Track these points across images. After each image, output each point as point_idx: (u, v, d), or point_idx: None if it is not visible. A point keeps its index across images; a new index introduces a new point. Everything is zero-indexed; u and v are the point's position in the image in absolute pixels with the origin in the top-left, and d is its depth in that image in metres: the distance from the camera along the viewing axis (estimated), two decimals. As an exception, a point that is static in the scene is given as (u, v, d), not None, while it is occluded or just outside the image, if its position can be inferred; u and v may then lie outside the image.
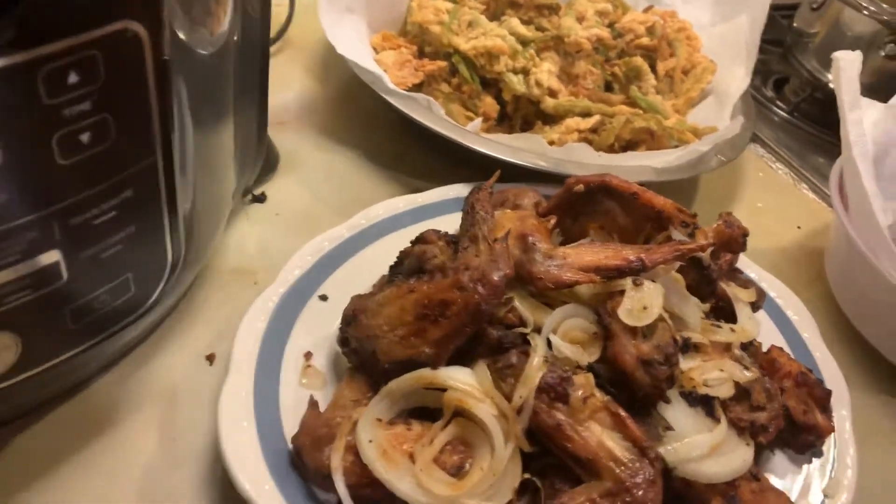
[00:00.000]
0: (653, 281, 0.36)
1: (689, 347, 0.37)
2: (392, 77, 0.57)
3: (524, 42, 0.61)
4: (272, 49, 0.68)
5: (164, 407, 0.40)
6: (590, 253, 0.37)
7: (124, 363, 0.41)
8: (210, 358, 0.42)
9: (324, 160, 0.58)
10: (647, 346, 0.33)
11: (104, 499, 0.35)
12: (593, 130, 0.57)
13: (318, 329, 0.42)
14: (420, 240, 0.41)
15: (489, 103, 0.58)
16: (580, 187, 0.40)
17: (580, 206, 0.41)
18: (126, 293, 0.33)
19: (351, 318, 0.39)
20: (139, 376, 0.41)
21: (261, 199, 0.54)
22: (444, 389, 0.35)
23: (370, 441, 0.33)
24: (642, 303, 0.34)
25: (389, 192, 0.56)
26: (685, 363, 0.36)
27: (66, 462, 0.36)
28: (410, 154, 0.60)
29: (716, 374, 0.37)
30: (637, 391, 0.34)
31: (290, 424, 0.37)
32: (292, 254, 0.45)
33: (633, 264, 0.35)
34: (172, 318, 0.44)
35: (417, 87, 0.60)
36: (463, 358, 0.36)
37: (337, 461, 0.33)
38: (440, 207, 0.51)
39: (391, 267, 0.42)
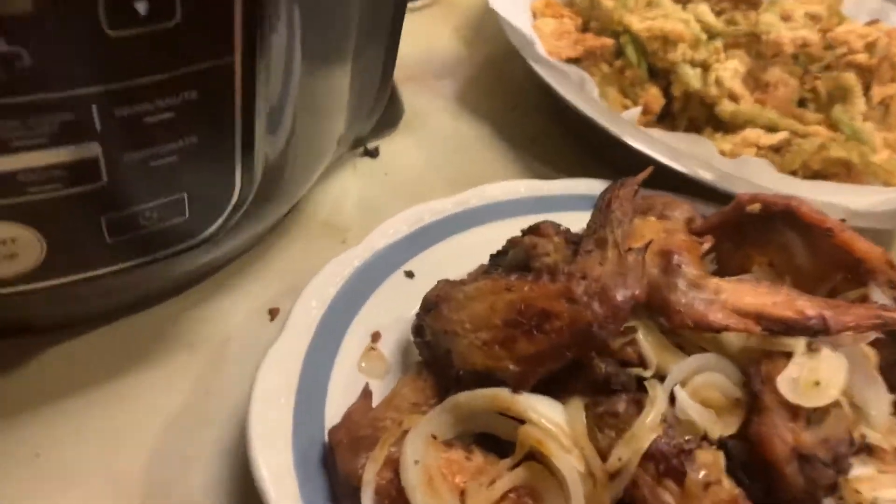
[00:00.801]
0: (834, 350, 0.26)
1: (863, 449, 0.27)
2: (546, 45, 0.50)
3: (710, 33, 0.52)
4: (423, 3, 0.63)
5: (210, 356, 0.35)
6: (752, 293, 0.28)
7: (178, 299, 0.37)
8: (273, 313, 0.37)
9: (450, 127, 0.52)
10: (811, 437, 0.24)
11: (116, 440, 0.31)
12: (776, 149, 0.47)
13: (395, 308, 0.36)
14: (533, 230, 0.33)
15: (654, 94, 0.49)
16: (755, 207, 0.31)
17: (749, 232, 0.31)
18: (177, 216, 0.28)
19: (432, 305, 0.32)
20: (191, 316, 0.36)
21: (373, 153, 0.48)
22: (521, 421, 0.28)
23: (416, 462, 0.26)
24: (815, 376, 0.25)
25: (512, 174, 0.49)
26: (854, 469, 0.26)
27: (90, 387, 0.32)
28: (546, 137, 0.52)
29: (892, 495, 0.27)
30: (782, 491, 0.25)
31: (335, 412, 0.31)
32: (388, 220, 0.40)
33: (811, 322, 0.26)
34: (243, 261, 0.39)
35: (573, 63, 0.52)
36: (555, 389, 0.29)
37: (371, 475, 0.26)
38: (566, 202, 0.43)
39: (492, 256, 0.35)
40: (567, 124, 0.51)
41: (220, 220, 0.30)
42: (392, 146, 0.49)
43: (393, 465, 0.27)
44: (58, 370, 0.33)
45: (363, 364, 0.33)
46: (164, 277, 0.33)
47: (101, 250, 0.27)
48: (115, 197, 0.25)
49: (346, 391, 0.32)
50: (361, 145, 0.47)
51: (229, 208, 0.30)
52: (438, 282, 0.34)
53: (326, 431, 0.30)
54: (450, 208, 0.40)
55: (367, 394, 0.31)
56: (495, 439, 0.29)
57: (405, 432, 0.28)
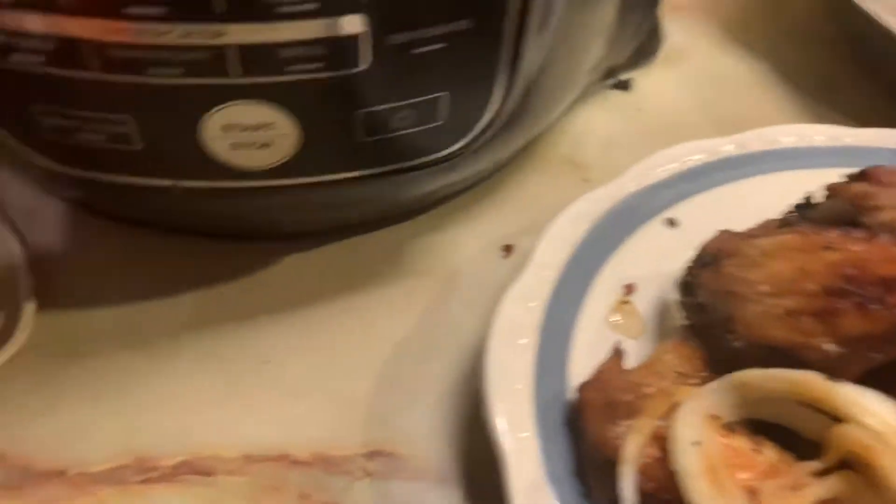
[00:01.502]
0: None
1: None
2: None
3: None
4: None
5: (439, 286, 0.32)
6: None
7: (410, 223, 0.34)
8: (507, 250, 0.33)
9: (718, 62, 0.44)
10: None
11: (342, 359, 0.29)
12: None
13: (652, 260, 0.30)
14: (863, 176, 0.26)
15: None
16: None
17: None
18: (432, 119, 0.25)
19: (710, 260, 0.26)
20: (423, 243, 0.34)
21: (624, 85, 0.42)
22: (835, 418, 0.21)
23: (695, 443, 0.21)
24: None
25: (790, 120, 0.40)
26: None
27: (320, 301, 0.31)
28: (844, 82, 0.42)
29: None
30: None
31: (578, 365, 0.27)
32: (645, 158, 0.34)
33: None
34: (475, 192, 0.36)
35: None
36: (885, 382, 0.22)
37: (633, 449, 0.22)
38: (876, 156, 0.34)
39: (797, 206, 0.28)
40: (870, 63, 0.42)
41: (472, 133, 0.26)
42: (647, 80, 0.42)
43: (660, 442, 0.22)
44: (290, 280, 0.31)
45: (614, 318, 0.28)
46: (403, 194, 0.31)
47: (352, 151, 0.24)
48: (374, 88, 0.22)
49: (593, 345, 0.27)
50: (613, 76, 0.42)
51: (484, 120, 0.26)
52: (720, 232, 0.28)
53: (572, 384, 0.26)
54: (726, 150, 0.33)
55: (618, 352, 0.26)
56: (782, 432, 0.23)
57: (675, 406, 0.23)
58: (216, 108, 0.21)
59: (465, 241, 0.34)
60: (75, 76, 0.20)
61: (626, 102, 0.42)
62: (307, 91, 0.22)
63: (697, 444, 0.21)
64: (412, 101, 0.23)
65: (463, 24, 0.22)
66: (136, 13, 0.18)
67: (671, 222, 0.31)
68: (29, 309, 0.29)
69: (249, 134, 0.22)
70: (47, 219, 0.32)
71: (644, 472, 0.21)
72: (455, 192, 0.35)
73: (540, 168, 0.38)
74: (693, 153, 0.33)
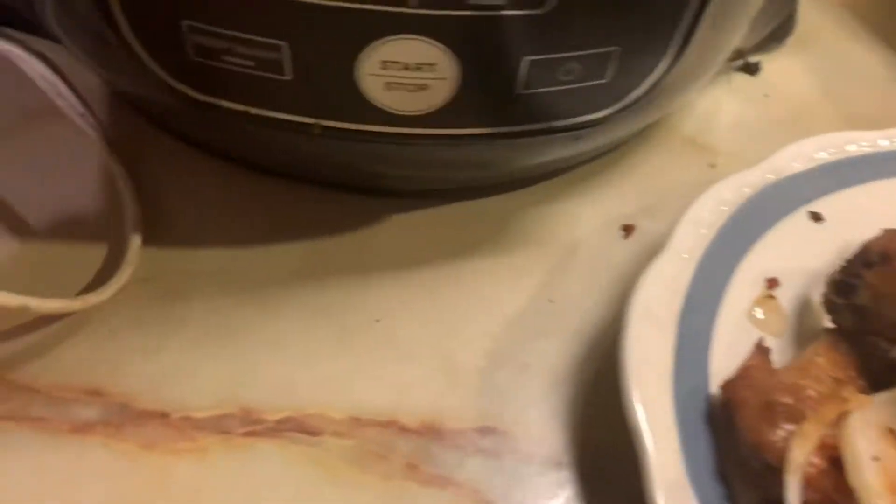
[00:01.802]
0: None
1: None
2: None
3: None
4: None
5: (555, 259, 0.30)
6: None
7: (531, 190, 0.32)
8: (627, 230, 0.31)
9: (850, 51, 0.41)
10: None
11: (454, 325, 0.27)
12: None
13: (795, 256, 0.28)
14: None
15: None
16: None
17: None
18: (597, 76, 0.22)
19: (878, 259, 0.24)
20: (541, 212, 0.32)
21: (753, 69, 0.39)
22: None
23: (875, 459, 0.19)
24: None
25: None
26: None
27: (434, 264, 0.29)
28: None
29: None
30: None
31: (718, 360, 0.25)
32: (771, 147, 0.31)
33: None
34: (597, 165, 0.34)
35: None
36: None
37: (800, 457, 0.20)
38: None
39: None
40: None
41: (630, 97, 0.24)
42: (776, 64, 0.40)
43: (827, 451, 0.20)
44: (401, 238, 0.30)
45: (756, 312, 0.26)
46: (533, 159, 0.29)
47: (506, 104, 0.22)
48: (549, 33, 0.20)
49: (733, 340, 0.25)
50: (741, 57, 0.39)
51: (645, 86, 0.24)
52: (886, 231, 0.25)
53: (712, 378, 0.24)
54: (882, 144, 0.31)
55: (764, 349, 0.24)
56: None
57: (844, 413, 0.21)
58: (381, 41, 0.20)
59: (584, 216, 0.32)
60: (241, -9, 0.19)
61: (753, 86, 0.39)
62: (480, 30, 0.20)
63: (877, 459, 0.19)
64: (582, 52, 0.21)
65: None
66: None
67: (816, 216, 0.29)
68: (135, 242, 0.28)
69: (407, 73, 0.21)
70: (154, 152, 0.31)
71: (811, 483, 0.20)
72: (576, 164, 0.33)
73: (662, 147, 0.35)
74: (846, 143, 0.31)
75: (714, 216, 0.28)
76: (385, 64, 0.20)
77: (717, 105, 0.38)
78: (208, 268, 0.28)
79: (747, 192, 0.29)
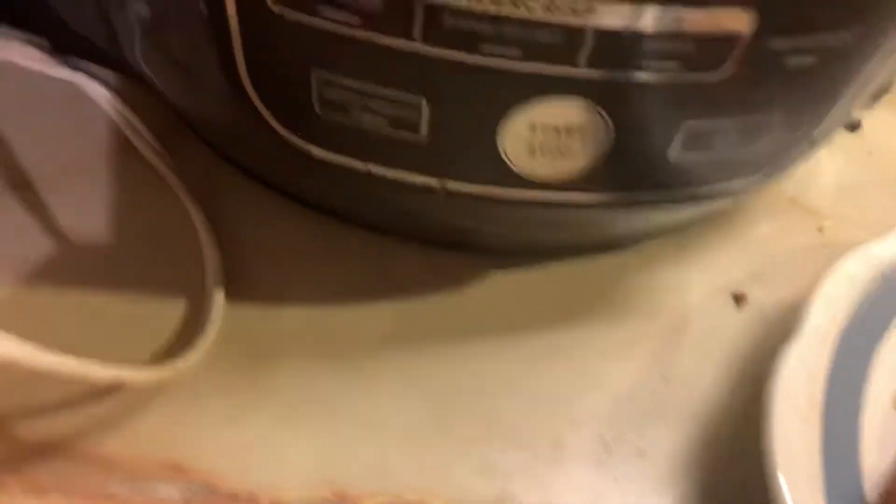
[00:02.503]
0: None
1: None
2: None
3: None
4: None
5: (665, 332, 0.28)
6: None
7: (627, 254, 0.30)
8: (739, 299, 0.29)
9: (952, 110, 0.40)
10: None
11: (557, 397, 0.25)
12: None
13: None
14: None
15: None
16: None
17: None
18: (743, 146, 0.20)
19: None
20: (642, 278, 0.29)
21: (854, 126, 0.37)
22: None
23: None
24: None
25: None
26: None
27: (528, 332, 0.27)
28: None
29: None
30: None
31: (869, 456, 0.22)
32: (879, 208, 0.30)
33: None
34: (700, 229, 0.31)
35: None
36: None
37: None
38: None
39: None
40: None
41: (782, 161, 0.22)
42: (877, 121, 0.38)
43: None
44: (503, 302, 0.27)
45: (904, 404, 0.24)
46: (660, 220, 0.27)
47: (657, 169, 0.20)
48: (718, 98, 0.18)
49: (882, 432, 0.23)
50: (842, 113, 0.37)
51: (798, 149, 0.22)
52: None
53: (864, 481, 0.21)
54: None
55: (920, 451, 0.22)
56: None
57: None
58: (534, 102, 0.18)
59: (692, 282, 0.30)
60: (385, 43, 0.17)
61: (854, 144, 0.37)
62: (646, 93, 0.18)
63: None
64: (738, 119, 0.19)
65: (843, 37, 0.18)
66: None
67: (954, 294, 0.27)
68: (218, 297, 0.25)
69: (555, 137, 0.19)
70: (234, 195, 0.29)
71: None
72: (684, 225, 0.30)
73: (767, 208, 0.33)
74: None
75: (846, 293, 0.26)
76: (533, 126, 0.18)
77: (819, 164, 0.36)
78: (296, 327, 0.26)
79: (877, 266, 0.27)
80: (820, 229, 0.33)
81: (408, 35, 0.16)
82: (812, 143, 0.23)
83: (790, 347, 0.23)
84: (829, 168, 0.36)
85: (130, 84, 0.32)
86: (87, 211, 0.28)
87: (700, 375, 0.27)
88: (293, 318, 0.26)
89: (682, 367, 0.27)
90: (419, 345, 0.26)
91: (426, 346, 0.26)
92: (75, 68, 0.33)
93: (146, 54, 0.24)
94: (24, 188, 0.29)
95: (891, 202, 0.34)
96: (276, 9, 0.17)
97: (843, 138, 0.37)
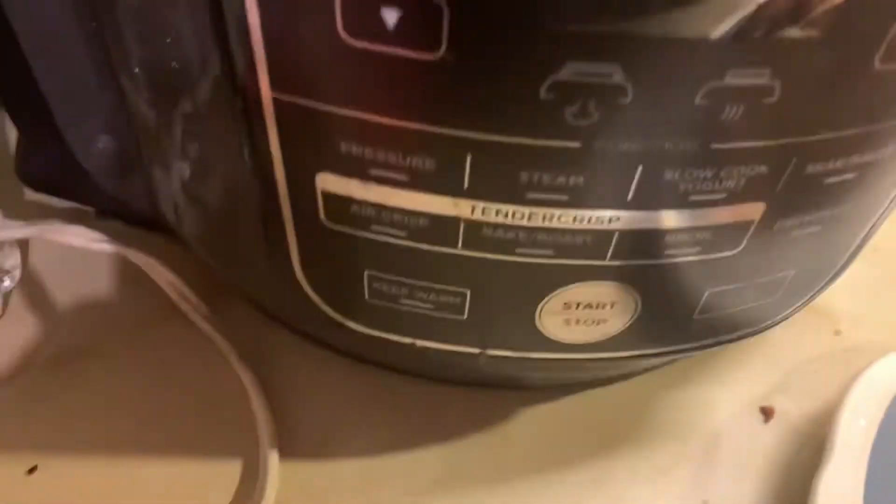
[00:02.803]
0: None
1: None
2: None
3: None
4: None
5: (698, 453, 0.29)
6: None
7: (658, 374, 0.31)
8: (767, 413, 0.30)
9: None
10: None
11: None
12: None
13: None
14: None
15: None
16: None
17: None
18: (768, 296, 0.22)
19: None
20: (674, 398, 0.31)
21: (855, 223, 0.39)
22: None
23: None
24: None
25: None
26: None
27: (565, 466, 0.28)
28: None
29: None
30: None
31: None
32: (891, 307, 0.31)
33: None
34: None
35: None
36: None
37: None
38: None
39: None
40: None
41: (794, 306, 0.24)
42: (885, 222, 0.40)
43: None
44: (540, 436, 0.29)
45: (941, 520, 0.25)
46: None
47: (680, 328, 0.22)
48: (735, 269, 0.20)
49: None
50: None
51: (810, 294, 0.24)
52: None
53: None
54: None
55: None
56: None
57: None
58: (567, 287, 0.19)
59: (719, 400, 0.31)
60: (434, 250, 0.19)
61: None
62: (670, 273, 0.19)
63: None
64: (759, 280, 0.21)
65: (839, 209, 0.20)
66: (537, 199, 0.17)
67: (975, 400, 0.28)
68: (273, 459, 0.27)
69: (587, 312, 0.20)
70: (281, 353, 0.31)
71: None
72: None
73: (783, 316, 0.35)
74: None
75: (873, 403, 0.27)
76: (567, 305, 0.20)
77: (827, 265, 0.37)
78: (349, 482, 0.27)
79: (894, 374, 0.28)
80: (837, 332, 0.34)
81: (453, 245, 0.18)
82: (830, 282, 0.24)
83: (825, 467, 0.25)
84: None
85: (175, 247, 0.34)
86: (136, 378, 0.30)
87: (740, 496, 0.28)
88: (346, 471, 0.27)
89: (721, 489, 0.28)
90: (468, 488, 0.27)
91: (473, 489, 0.27)
92: (122, 238, 0.35)
93: (200, 238, 0.26)
94: (76, 357, 0.30)
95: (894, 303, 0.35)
96: (329, 225, 0.19)
97: (846, 236, 0.39)
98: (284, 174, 0.18)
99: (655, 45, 0.14)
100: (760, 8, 0.14)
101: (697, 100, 0.15)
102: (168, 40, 0.19)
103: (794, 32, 0.14)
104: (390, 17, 0.14)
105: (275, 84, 0.16)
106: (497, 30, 0.14)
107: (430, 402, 0.29)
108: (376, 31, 0.14)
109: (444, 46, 0.14)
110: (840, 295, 0.36)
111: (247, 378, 0.29)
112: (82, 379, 0.29)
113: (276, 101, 0.17)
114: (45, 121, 0.27)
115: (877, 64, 0.15)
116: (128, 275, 0.33)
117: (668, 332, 0.22)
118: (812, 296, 0.24)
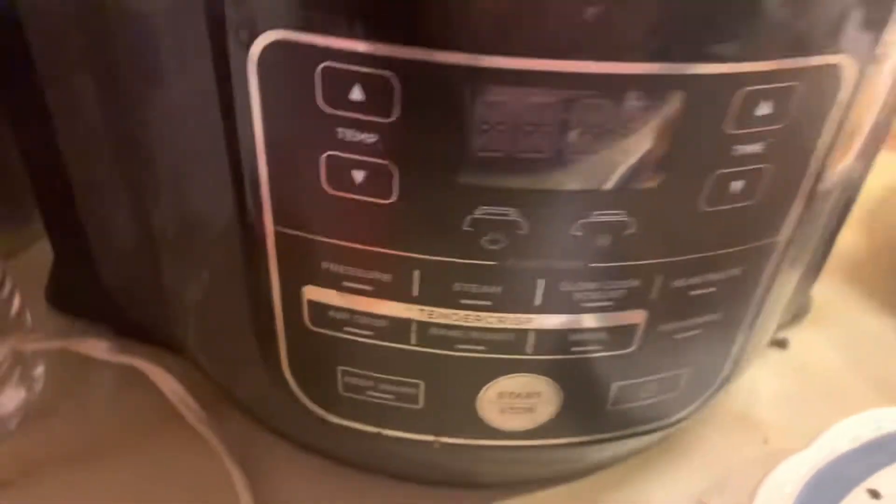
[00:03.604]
0: None
1: None
2: None
3: None
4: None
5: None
6: None
7: (603, 475, 0.35)
8: (701, 510, 0.34)
9: (867, 324, 0.47)
10: None
11: None
12: None
13: (866, 535, 0.30)
14: None
15: None
16: None
17: None
18: (668, 392, 0.27)
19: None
20: (619, 498, 0.34)
21: (782, 343, 0.44)
22: None
23: None
24: None
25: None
26: None
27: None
28: None
29: None
30: None
31: None
32: (814, 418, 0.35)
33: None
34: (661, 447, 0.37)
35: None
36: None
37: None
38: None
39: None
40: None
41: (699, 400, 0.29)
42: (801, 337, 0.45)
43: None
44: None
45: None
46: (611, 451, 0.32)
47: (598, 417, 0.27)
48: (634, 365, 0.25)
49: None
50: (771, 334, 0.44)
51: (710, 390, 0.29)
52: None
53: None
54: (919, 419, 0.34)
55: None
56: None
57: None
58: (499, 378, 0.24)
59: (658, 498, 0.34)
60: (393, 346, 0.24)
61: (785, 360, 0.44)
62: (580, 367, 0.25)
63: None
64: (659, 376, 0.26)
65: (715, 316, 0.25)
66: (468, 304, 0.22)
67: (874, 494, 0.32)
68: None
69: (518, 400, 0.25)
70: (271, 457, 0.34)
71: None
72: (642, 447, 0.36)
73: (717, 424, 0.39)
74: (877, 421, 0.34)
75: (782, 497, 0.31)
76: (501, 394, 0.25)
77: (757, 380, 0.42)
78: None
79: (806, 472, 0.32)
80: (765, 441, 0.38)
81: (407, 341, 0.24)
82: (725, 380, 0.29)
83: (739, 555, 0.28)
84: (767, 383, 0.42)
85: (178, 360, 0.39)
86: (143, 481, 0.34)
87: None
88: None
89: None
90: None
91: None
92: (130, 347, 0.40)
93: (200, 348, 0.32)
94: (78, 462, 0.34)
95: (823, 410, 0.39)
96: (312, 328, 0.24)
97: (776, 355, 0.44)
98: (279, 287, 0.24)
99: (538, 194, 0.20)
100: (614, 171, 0.20)
101: (574, 231, 0.20)
102: (195, 190, 0.25)
103: (639, 185, 0.20)
104: (358, 176, 0.20)
105: (277, 220, 0.22)
106: (432, 184, 0.20)
107: (405, 499, 0.33)
108: (348, 185, 0.21)
109: (395, 194, 0.20)
110: (768, 407, 0.41)
111: (240, 481, 0.32)
112: (86, 486, 0.33)
113: (276, 233, 0.23)
114: (80, 245, 0.34)
115: (702, 206, 0.21)
116: (134, 381, 0.38)
117: (590, 422, 0.27)
118: (712, 393, 0.29)
